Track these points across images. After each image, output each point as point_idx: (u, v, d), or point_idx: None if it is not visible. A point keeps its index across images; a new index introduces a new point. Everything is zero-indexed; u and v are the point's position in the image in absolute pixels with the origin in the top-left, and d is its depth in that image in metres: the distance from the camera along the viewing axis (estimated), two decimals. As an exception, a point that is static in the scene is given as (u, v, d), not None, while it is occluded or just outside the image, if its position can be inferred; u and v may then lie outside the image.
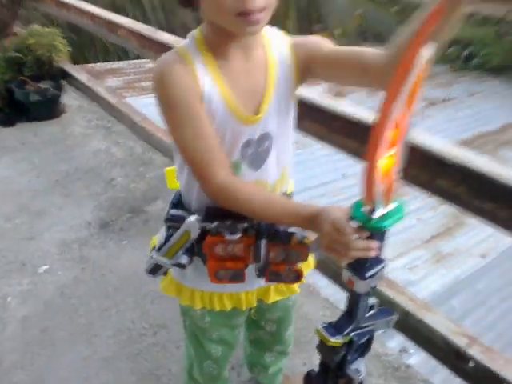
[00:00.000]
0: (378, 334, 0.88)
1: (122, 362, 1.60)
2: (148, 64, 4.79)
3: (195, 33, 0.82)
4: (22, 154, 2.90)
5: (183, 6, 0.77)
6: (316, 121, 1.52)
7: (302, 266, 0.99)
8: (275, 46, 0.84)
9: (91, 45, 5.85)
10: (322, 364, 0.92)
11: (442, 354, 1.42)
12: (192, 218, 0.84)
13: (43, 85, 3.36)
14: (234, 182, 0.81)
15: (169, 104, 0.78)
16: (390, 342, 1.84)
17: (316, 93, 1.54)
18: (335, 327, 0.82)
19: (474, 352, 1.30)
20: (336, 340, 0.82)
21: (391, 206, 0.68)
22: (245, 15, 0.70)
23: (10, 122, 3.27)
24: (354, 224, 0.68)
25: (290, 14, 6.76)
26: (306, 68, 0.85)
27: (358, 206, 0.68)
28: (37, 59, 3.43)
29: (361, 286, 0.75)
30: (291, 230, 0.85)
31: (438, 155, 1.20)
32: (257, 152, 0.85)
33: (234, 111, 0.80)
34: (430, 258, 2.55)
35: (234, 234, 0.83)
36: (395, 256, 2.51)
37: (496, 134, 4.36)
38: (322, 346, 0.85)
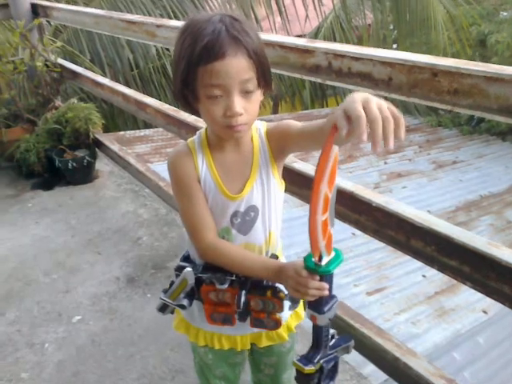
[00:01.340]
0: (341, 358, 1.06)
1: (144, 402, 1.79)
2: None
3: (202, 131, 1.07)
4: (60, 216, 3.20)
5: (186, 109, 1.03)
6: (311, 189, 1.76)
7: (291, 318, 1.20)
8: (259, 135, 1.05)
9: (121, 113, 6.35)
10: None
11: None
12: (189, 269, 1.06)
13: (79, 153, 3.70)
14: (218, 243, 1.04)
15: (174, 181, 1.06)
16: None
17: (310, 166, 1.80)
18: (307, 358, 0.99)
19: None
20: (309, 368, 0.99)
21: (332, 254, 0.89)
22: (231, 127, 0.93)
23: (49, 186, 3.61)
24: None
25: (306, 84, 7.25)
26: (279, 150, 1.05)
27: (309, 257, 0.89)
28: (74, 130, 3.78)
29: (321, 320, 0.93)
30: (270, 284, 1.03)
31: (410, 220, 1.41)
32: (244, 220, 1.05)
33: (222, 191, 1.03)
34: (433, 312, 2.68)
35: (222, 284, 1.03)
36: (399, 311, 2.66)
37: (502, 194, 4.50)
38: (300, 376, 1.02)
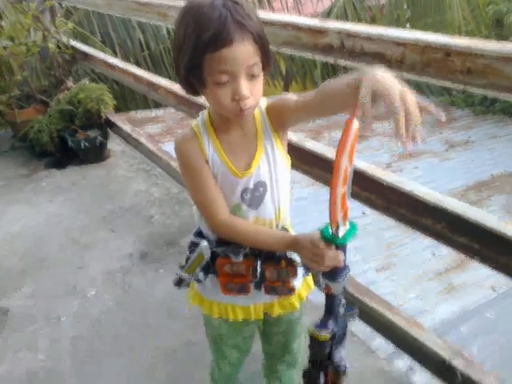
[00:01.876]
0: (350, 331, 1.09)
1: (158, 373, 1.84)
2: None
3: (205, 114, 1.08)
4: (73, 194, 3.26)
5: (191, 94, 1.03)
6: (323, 169, 1.78)
7: (302, 287, 1.24)
8: (260, 112, 1.07)
9: (132, 93, 6.37)
10: (312, 361, 1.13)
11: (434, 367, 1.60)
12: (205, 243, 1.09)
13: (91, 133, 3.75)
14: (230, 220, 1.06)
15: (183, 166, 1.08)
16: (397, 363, 2.01)
17: (320, 145, 1.81)
18: (321, 325, 1.04)
19: (458, 363, 1.49)
20: (325, 335, 1.04)
21: (347, 226, 0.92)
22: (239, 111, 0.95)
23: (62, 166, 3.66)
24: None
25: (317, 64, 7.19)
26: (280, 124, 1.08)
27: (326, 229, 0.92)
28: (86, 111, 3.82)
29: (335, 289, 0.98)
30: (283, 254, 1.07)
31: (421, 198, 1.43)
32: (254, 196, 1.08)
33: (230, 169, 1.05)
34: (442, 289, 2.70)
35: (237, 256, 1.06)
36: (409, 287, 2.69)
37: (515, 175, 4.47)
38: (314, 343, 1.06)
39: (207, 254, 1.10)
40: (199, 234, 1.19)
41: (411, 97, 0.74)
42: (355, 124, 0.78)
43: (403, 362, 2.01)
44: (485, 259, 1.35)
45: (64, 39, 4.07)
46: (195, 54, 0.90)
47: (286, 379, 1.59)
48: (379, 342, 1.97)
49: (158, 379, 1.81)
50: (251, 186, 1.07)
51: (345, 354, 1.10)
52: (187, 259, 1.14)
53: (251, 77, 0.94)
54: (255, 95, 0.96)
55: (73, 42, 4.24)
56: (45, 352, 1.94)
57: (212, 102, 0.99)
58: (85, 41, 5.59)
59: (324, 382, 1.17)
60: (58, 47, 4.06)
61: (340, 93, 0.87)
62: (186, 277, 1.15)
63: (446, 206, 1.39)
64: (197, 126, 1.08)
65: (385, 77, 0.76)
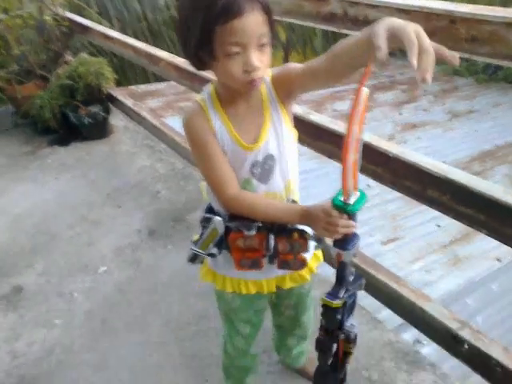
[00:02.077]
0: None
1: (170, 346, 1.89)
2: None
3: (210, 88, 1.08)
4: (78, 171, 3.26)
5: (199, 69, 1.02)
6: (327, 141, 1.78)
7: (312, 259, 1.25)
8: (265, 83, 1.06)
9: (131, 66, 6.28)
10: (323, 328, 1.16)
11: (440, 338, 1.64)
12: (218, 218, 1.10)
13: (93, 108, 3.72)
14: (240, 194, 1.07)
15: (192, 143, 1.07)
16: (404, 334, 2.06)
17: (325, 118, 1.80)
18: (333, 294, 1.06)
19: (465, 334, 1.53)
20: (337, 302, 1.06)
21: (357, 194, 0.93)
22: (251, 81, 0.95)
23: (66, 142, 3.66)
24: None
25: (318, 32, 7.08)
26: (286, 94, 1.07)
27: (337, 197, 0.93)
28: (87, 85, 3.78)
29: (347, 256, 0.99)
30: (294, 227, 1.08)
31: (427, 170, 1.43)
32: (263, 170, 1.08)
33: (239, 143, 1.05)
34: (447, 261, 2.72)
35: (250, 230, 1.07)
36: (414, 259, 2.71)
37: (518, 144, 4.46)
38: (327, 311, 1.08)
39: (221, 229, 1.11)
40: (210, 210, 1.19)
41: (425, 35, 0.72)
42: (365, 92, 0.78)
43: (411, 333, 2.06)
44: (490, 231, 1.36)
45: (60, 11, 3.99)
46: (205, 26, 0.89)
47: (297, 352, 1.64)
48: (386, 314, 2.01)
49: (169, 352, 1.86)
50: (260, 159, 1.07)
51: (354, 323, 1.12)
52: (201, 235, 1.15)
53: (260, 47, 0.93)
54: (264, 65, 0.96)
55: (70, 15, 4.16)
56: (60, 328, 1.98)
57: (222, 74, 0.98)
58: (80, 12, 5.48)
59: (336, 350, 1.21)
60: (55, 20, 3.99)
61: (352, 49, 0.85)
62: (200, 252, 1.16)
63: (451, 177, 1.39)
64: (202, 101, 1.06)
65: (398, 19, 0.74)
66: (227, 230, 1.12)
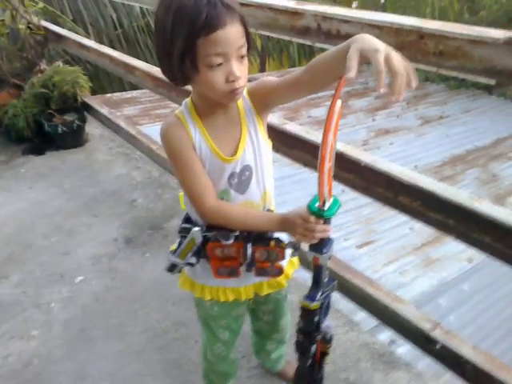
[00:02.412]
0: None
1: (150, 354, 1.89)
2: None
3: (188, 101, 1.09)
4: (53, 180, 3.23)
5: (177, 85, 1.03)
6: (302, 150, 1.83)
7: (288, 266, 1.29)
8: (243, 97, 1.09)
9: (106, 74, 6.25)
10: (302, 331, 1.19)
11: (414, 338, 1.69)
12: (196, 229, 1.12)
13: (68, 117, 3.69)
14: (218, 205, 1.09)
15: (170, 154, 1.08)
16: (380, 335, 2.11)
17: (300, 128, 1.85)
18: (311, 296, 1.10)
19: (436, 334, 1.59)
20: (316, 304, 1.10)
21: (332, 200, 0.98)
22: (233, 91, 0.98)
23: (41, 151, 3.61)
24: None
25: (293, 41, 7.16)
26: (261, 105, 1.10)
27: (313, 203, 0.98)
28: (62, 94, 3.75)
29: (323, 260, 1.04)
30: (271, 236, 1.11)
31: (398, 178, 1.49)
32: (240, 180, 1.11)
33: (218, 155, 1.07)
34: (420, 262, 2.80)
35: (227, 240, 1.09)
36: (388, 262, 2.78)
37: (487, 148, 4.59)
38: (305, 313, 1.12)
39: (199, 239, 1.13)
40: (188, 220, 1.21)
41: (397, 57, 0.77)
42: (339, 103, 0.83)
43: (386, 334, 2.12)
44: (459, 235, 1.42)
45: (34, 19, 3.96)
46: (189, 39, 0.91)
47: (276, 356, 1.67)
48: (362, 316, 2.06)
49: (149, 360, 1.86)
50: (238, 170, 1.10)
51: (330, 324, 1.16)
52: (179, 244, 1.17)
53: (240, 58, 0.97)
54: (244, 75, 0.99)
55: (45, 23, 4.13)
56: (37, 339, 1.97)
57: (204, 85, 0.99)
58: (55, 20, 5.44)
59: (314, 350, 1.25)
60: (29, 28, 3.96)
61: (328, 63, 0.91)
62: (178, 262, 1.18)
63: (421, 184, 1.44)
64: (181, 113, 1.09)
65: (371, 38, 0.80)
66: (205, 239, 1.14)
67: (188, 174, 1.08)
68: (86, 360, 1.87)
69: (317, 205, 0.97)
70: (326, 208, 0.96)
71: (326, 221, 0.99)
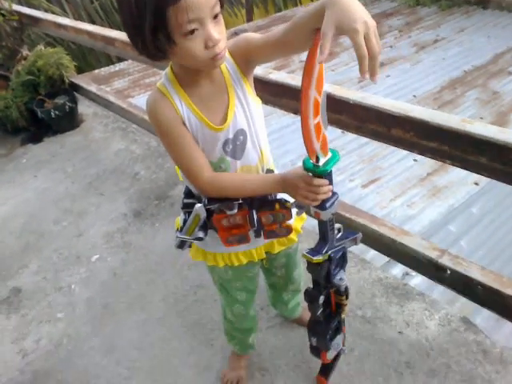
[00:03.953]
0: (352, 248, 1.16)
1: (172, 318, 1.96)
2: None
3: (168, 72, 1.04)
4: (55, 166, 3.26)
5: (155, 61, 0.97)
6: (291, 98, 1.80)
7: (296, 221, 1.27)
8: (226, 59, 1.01)
9: (92, 51, 6.13)
10: (314, 281, 1.23)
11: (424, 268, 1.72)
12: (199, 205, 1.10)
13: (59, 100, 3.68)
14: (215, 177, 1.07)
15: (159, 130, 1.04)
16: (392, 270, 2.15)
17: (285, 75, 1.81)
18: (315, 250, 1.12)
19: (444, 261, 1.61)
20: (318, 258, 1.12)
21: (329, 155, 0.96)
22: (215, 56, 0.92)
23: (38, 139, 3.63)
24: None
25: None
26: (245, 64, 1.06)
27: (307, 160, 0.96)
28: (48, 78, 3.72)
29: (324, 215, 1.03)
30: (276, 198, 1.11)
31: (388, 111, 1.47)
32: (235, 146, 1.08)
33: (208, 125, 1.04)
34: (427, 193, 2.79)
35: (231, 209, 1.09)
36: (395, 196, 2.78)
37: (486, 66, 4.45)
38: (310, 266, 1.15)
39: (203, 214, 1.12)
40: (189, 194, 1.20)
41: (374, 34, 0.75)
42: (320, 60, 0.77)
43: (398, 268, 2.15)
44: (455, 160, 1.41)
45: (6, 4, 3.87)
46: (157, 10, 0.85)
47: (293, 304, 1.71)
48: (373, 254, 2.09)
49: (172, 325, 1.93)
50: (231, 136, 1.07)
51: (345, 277, 1.18)
52: (184, 221, 1.16)
53: (215, 18, 0.91)
54: (223, 35, 0.94)
55: (16, 7, 4.04)
56: (63, 320, 2.05)
57: (183, 56, 0.93)
58: (29, 2, 5.30)
59: (327, 301, 1.28)
60: (2, 15, 3.87)
61: (309, 21, 0.86)
62: (187, 238, 1.17)
63: (411, 114, 1.42)
64: (163, 86, 1.03)
65: (348, 6, 0.75)
66: (210, 211, 1.13)
67: (180, 150, 1.05)
68: (112, 333, 1.95)
69: (311, 161, 0.95)
70: (321, 164, 0.95)
71: (325, 177, 0.98)
